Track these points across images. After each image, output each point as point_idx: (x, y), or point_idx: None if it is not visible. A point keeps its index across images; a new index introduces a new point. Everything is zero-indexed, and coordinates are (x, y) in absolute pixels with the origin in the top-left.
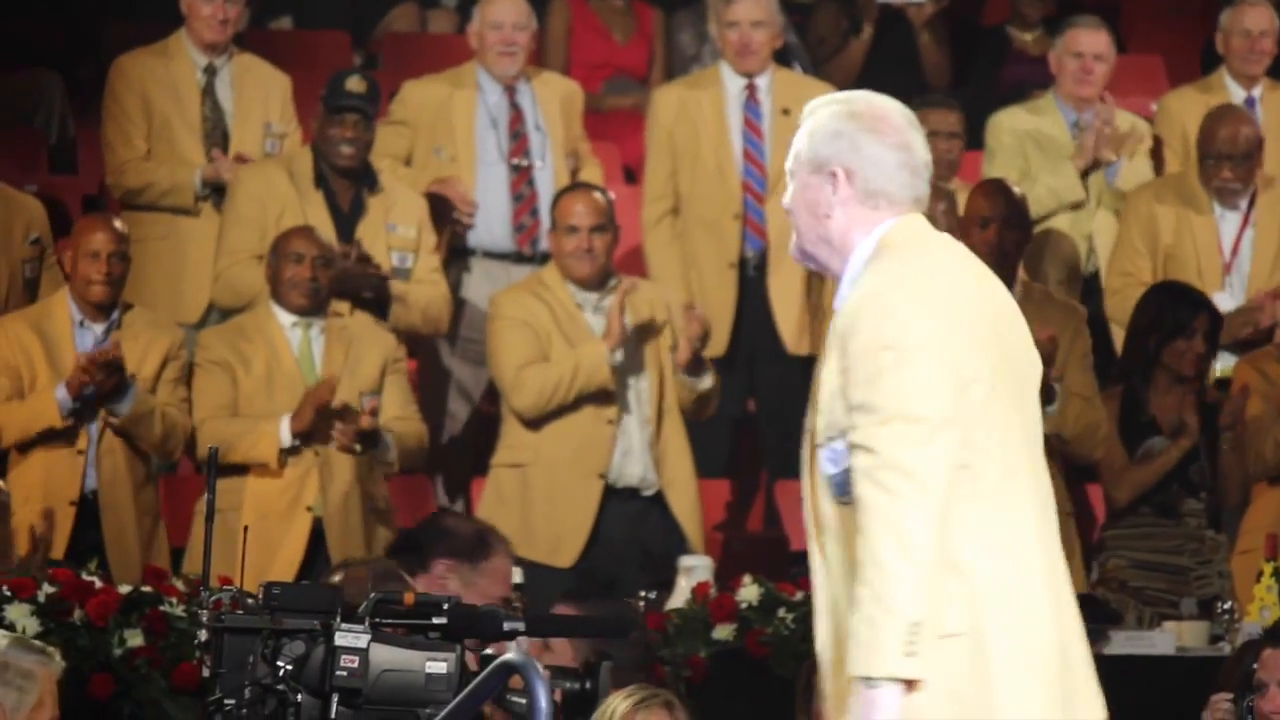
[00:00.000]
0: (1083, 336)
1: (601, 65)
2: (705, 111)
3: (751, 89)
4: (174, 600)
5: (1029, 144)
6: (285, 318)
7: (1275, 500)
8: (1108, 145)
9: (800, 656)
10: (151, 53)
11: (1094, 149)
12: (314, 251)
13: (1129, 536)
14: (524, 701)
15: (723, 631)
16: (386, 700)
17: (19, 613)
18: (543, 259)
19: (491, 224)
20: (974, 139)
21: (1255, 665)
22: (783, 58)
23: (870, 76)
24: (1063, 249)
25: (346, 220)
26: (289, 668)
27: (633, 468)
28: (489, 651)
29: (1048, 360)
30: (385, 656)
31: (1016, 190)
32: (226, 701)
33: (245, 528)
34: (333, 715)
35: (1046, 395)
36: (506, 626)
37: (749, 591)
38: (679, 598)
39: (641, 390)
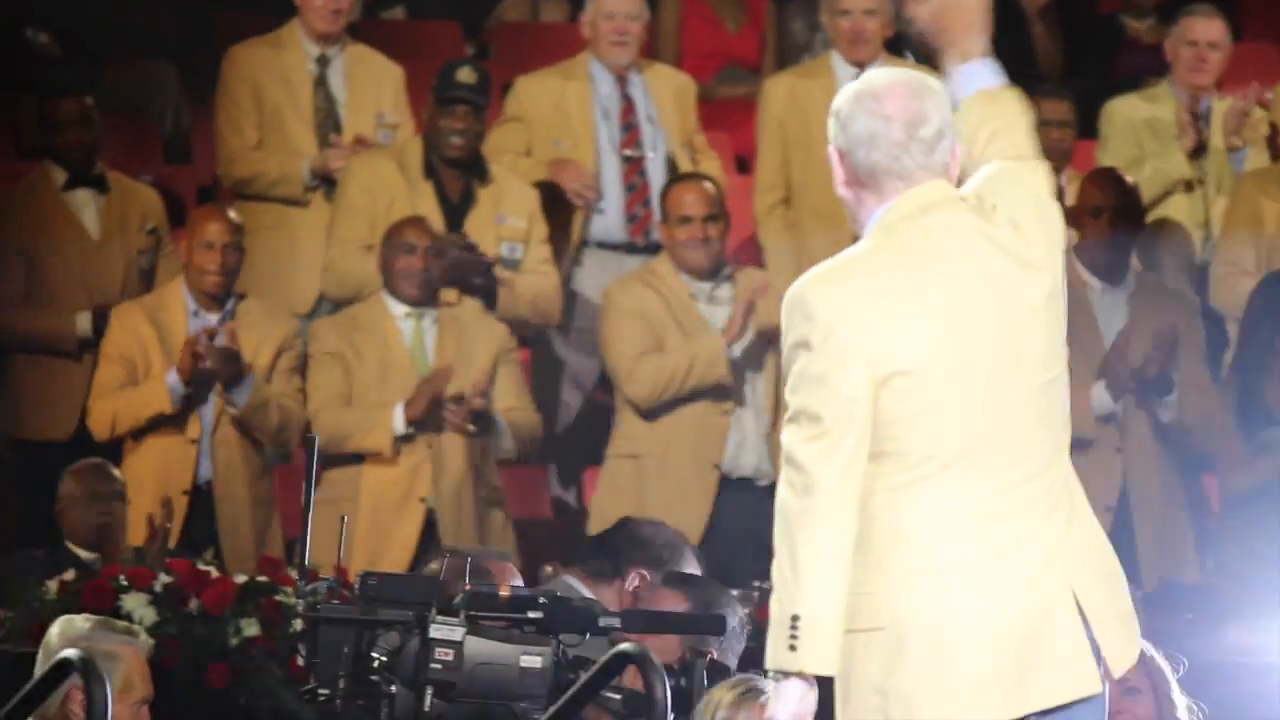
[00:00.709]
0: (1195, 326)
1: (713, 55)
2: (817, 101)
3: None
4: (289, 590)
5: (1143, 131)
6: (398, 308)
7: None
8: (1236, 132)
9: None
10: (264, 43)
11: (1227, 132)
12: (426, 242)
13: (1243, 529)
14: (618, 698)
15: None
16: (480, 694)
17: (136, 602)
18: (655, 250)
19: (605, 214)
20: (1088, 128)
21: None
22: (895, 47)
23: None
24: (1177, 238)
25: (456, 211)
26: (384, 659)
27: (748, 458)
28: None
29: (1166, 350)
30: (480, 649)
31: (1129, 179)
32: (321, 691)
33: (343, 517)
34: (426, 708)
35: (1164, 385)
36: (602, 622)
37: None
38: None
39: (758, 381)
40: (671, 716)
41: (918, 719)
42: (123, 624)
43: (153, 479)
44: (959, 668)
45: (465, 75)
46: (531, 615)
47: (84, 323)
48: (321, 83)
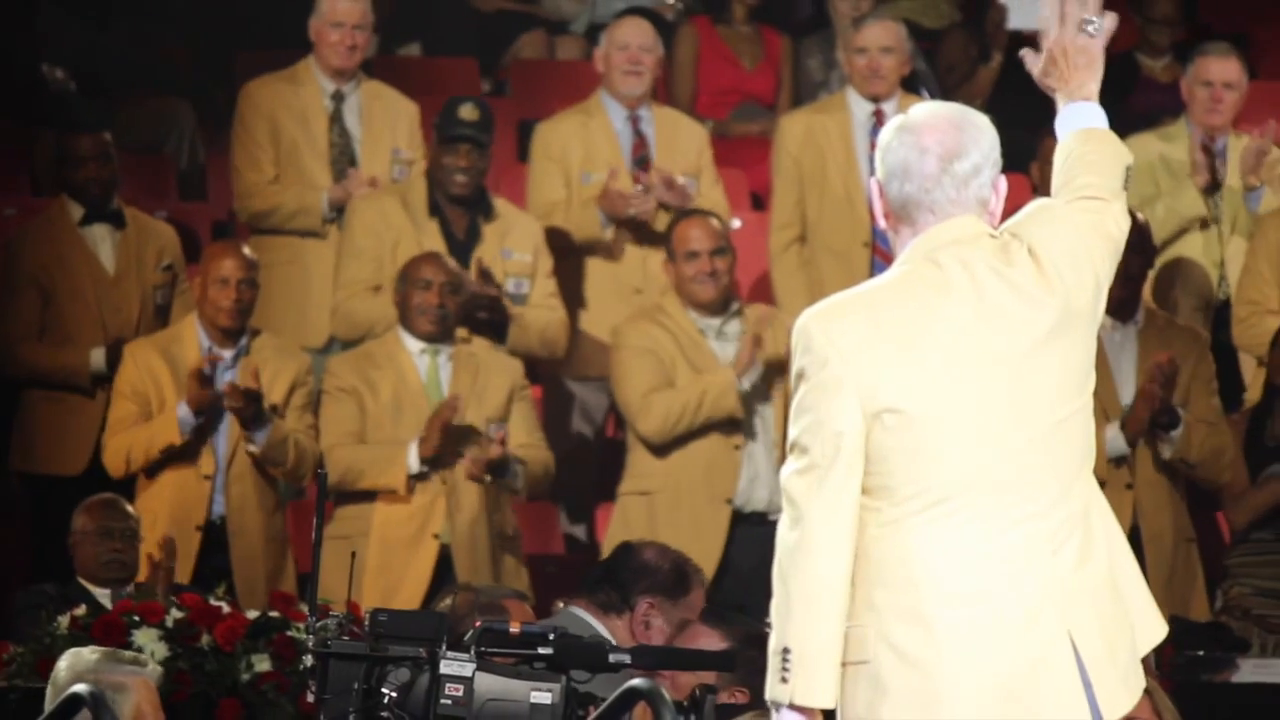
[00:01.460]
0: (1205, 361)
1: (729, 91)
2: (832, 138)
3: (879, 115)
4: (301, 626)
5: (1159, 169)
6: (413, 344)
7: None
8: (1253, 171)
9: None
10: (280, 79)
11: (1247, 171)
12: (442, 278)
13: (1253, 564)
14: None
15: None
16: None
17: (147, 637)
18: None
19: None
20: None
21: None
22: (911, 85)
23: (999, 104)
24: (1193, 276)
25: (462, 247)
26: (394, 695)
27: (760, 492)
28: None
29: (1168, 383)
30: (490, 686)
31: (1140, 216)
32: None
33: (353, 554)
34: None
35: (1170, 420)
36: (612, 658)
37: None
38: None
39: (768, 415)
40: None
41: None
42: (130, 654)
43: (166, 514)
44: (942, 706)
45: (467, 113)
46: (542, 651)
47: (98, 358)
48: (337, 119)
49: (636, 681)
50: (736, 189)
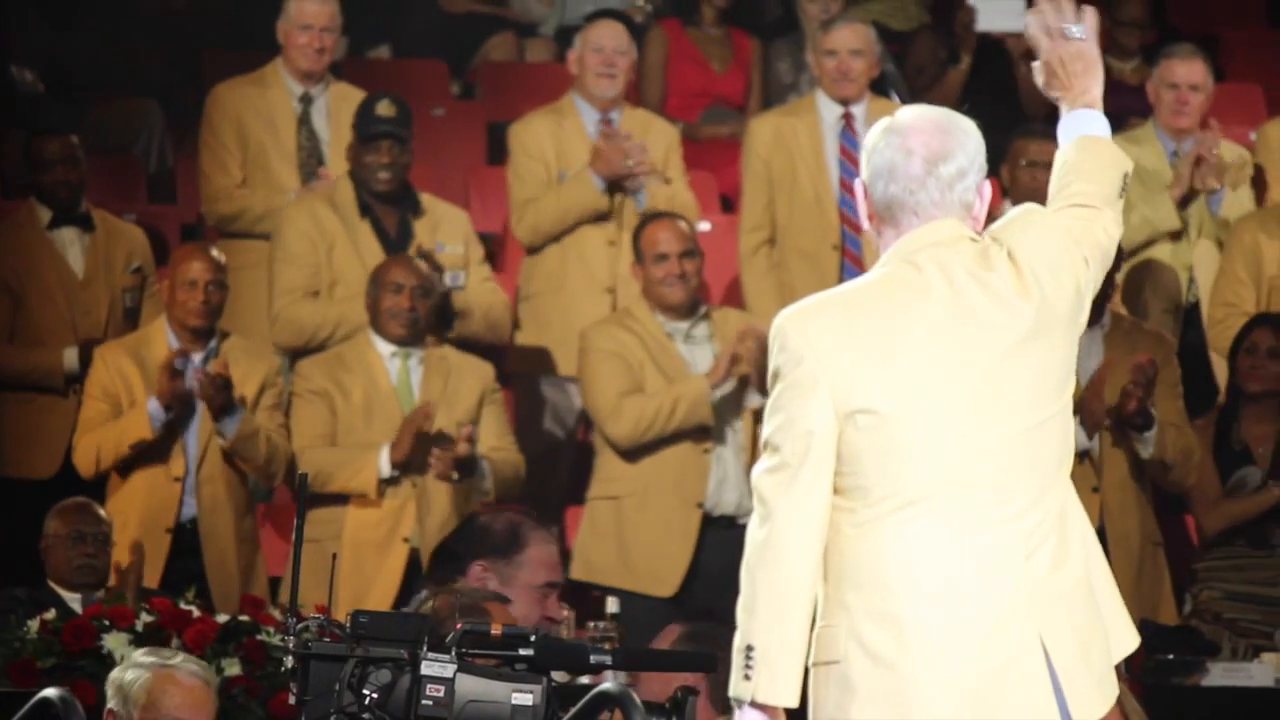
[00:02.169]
0: (1171, 365)
1: (699, 94)
2: (802, 140)
3: (848, 118)
4: (271, 629)
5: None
6: (384, 347)
7: None
8: (1211, 173)
9: None
10: (248, 81)
11: (1191, 177)
12: (413, 281)
13: (1222, 568)
14: None
15: None
16: None
17: (117, 642)
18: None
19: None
20: None
21: None
22: (880, 87)
23: (968, 106)
24: (1163, 280)
25: (395, 245)
26: (374, 696)
27: (729, 495)
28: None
29: (1145, 385)
30: (471, 687)
31: None
32: None
33: (335, 555)
34: None
35: (1144, 421)
36: (593, 660)
37: None
38: None
39: (736, 418)
40: None
41: None
42: (171, 652)
43: (137, 517)
44: (912, 707)
45: (385, 109)
46: (523, 653)
47: (71, 359)
48: (305, 121)
49: (606, 685)
50: (706, 191)
